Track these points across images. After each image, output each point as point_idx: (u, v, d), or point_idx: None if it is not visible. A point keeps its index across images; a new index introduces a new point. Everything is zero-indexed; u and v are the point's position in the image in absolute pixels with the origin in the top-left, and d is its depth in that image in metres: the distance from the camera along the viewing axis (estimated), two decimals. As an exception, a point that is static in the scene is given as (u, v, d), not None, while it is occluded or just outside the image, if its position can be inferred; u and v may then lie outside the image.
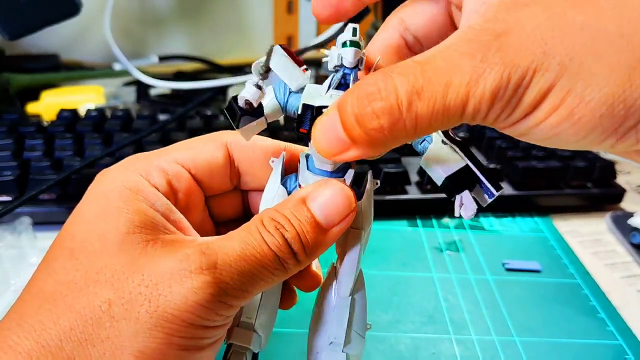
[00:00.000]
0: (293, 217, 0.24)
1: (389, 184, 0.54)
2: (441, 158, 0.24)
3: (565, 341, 0.40)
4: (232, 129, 0.25)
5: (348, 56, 0.24)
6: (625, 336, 0.41)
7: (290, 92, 0.25)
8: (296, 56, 0.24)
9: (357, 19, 0.71)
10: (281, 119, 0.55)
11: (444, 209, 0.56)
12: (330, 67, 0.25)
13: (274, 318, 0.29)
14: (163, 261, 0.22)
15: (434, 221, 0.55)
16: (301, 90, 0.25)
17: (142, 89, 0.79)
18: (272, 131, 0.60)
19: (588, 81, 0.19)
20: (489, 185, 0.23)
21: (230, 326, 0.27)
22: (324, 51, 0.26)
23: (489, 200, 0.24)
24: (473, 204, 0.24)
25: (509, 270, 0.48)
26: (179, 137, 0.60)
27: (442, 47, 0.21)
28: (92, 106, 0.70)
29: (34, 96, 0.76)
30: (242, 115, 0.24)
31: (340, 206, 0.25)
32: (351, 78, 0.24)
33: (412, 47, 0.27)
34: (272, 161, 0.28)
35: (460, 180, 0.24)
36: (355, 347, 0.28)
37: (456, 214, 0.24)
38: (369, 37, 0.79)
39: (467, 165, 0.24)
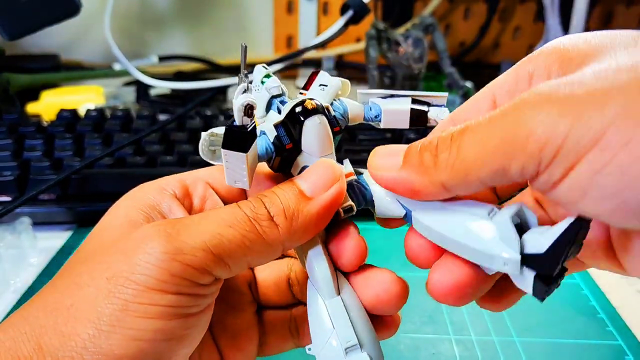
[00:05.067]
0: (277, 188, 0.25)
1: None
2: (395, 111, 0.28)
3: (565, 341, 0.40)
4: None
5: (273, 84, 0.26)
6: (624, 336, 0.41)
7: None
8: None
9: (357, 19, 0.71)
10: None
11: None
12: (261, 113, 0.26)
13: (373, 331, 0.26)
14: (133, 234, 0.23)
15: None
16: (262, 133, 0.26)
17: (142, 89, 0.80)
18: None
19: None
20: (436, 98, 0.28)
21: None
22: (258, 119, 0.27)
23: (445, 108, 0.28)
24: (441, 110, 0.28)
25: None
26: (178, 137, 0.60)
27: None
28: (92, 106, 0.70)
29: (34, 96, 0.76)
30: (246, 134, 0.23)
31: (322, 173, 0.25)
32: (286, 100, 0.26)
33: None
34: None
35: (417, 112, 0.28)
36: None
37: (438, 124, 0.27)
38: (369, 38, 0.79)
39: (412, 100, 0.28)
